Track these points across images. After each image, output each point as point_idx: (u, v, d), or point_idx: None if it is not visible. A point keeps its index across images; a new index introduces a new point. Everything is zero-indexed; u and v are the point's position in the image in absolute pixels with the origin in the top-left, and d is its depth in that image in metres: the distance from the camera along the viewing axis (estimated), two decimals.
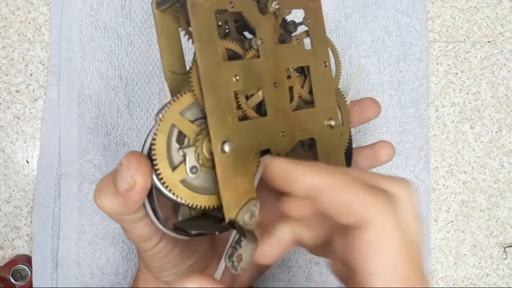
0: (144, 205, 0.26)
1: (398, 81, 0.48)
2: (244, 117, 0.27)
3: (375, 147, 0.36)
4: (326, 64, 0.31)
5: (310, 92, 0.31)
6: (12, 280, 0.41)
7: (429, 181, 0.48)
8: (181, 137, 0.26)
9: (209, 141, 0.25)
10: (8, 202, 0.44)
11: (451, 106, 0.50)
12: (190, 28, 0.26)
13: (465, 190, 0.49)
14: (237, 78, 0.26)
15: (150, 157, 0.25)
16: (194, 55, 0.26)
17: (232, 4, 0.26)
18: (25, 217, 0.44)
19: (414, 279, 0.22)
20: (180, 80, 0.28)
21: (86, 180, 0.42)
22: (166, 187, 0.25)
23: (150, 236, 0.28)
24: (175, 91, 0.28)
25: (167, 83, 0.28)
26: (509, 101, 0.50)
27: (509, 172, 0.50)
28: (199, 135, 0.26)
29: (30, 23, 0.45)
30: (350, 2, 0.48)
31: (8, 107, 0.44)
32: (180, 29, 0.28)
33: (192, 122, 0.26)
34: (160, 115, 0.25)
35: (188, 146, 0.26)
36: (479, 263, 0.49)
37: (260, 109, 0.29)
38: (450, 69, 0.50)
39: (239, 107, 0.27)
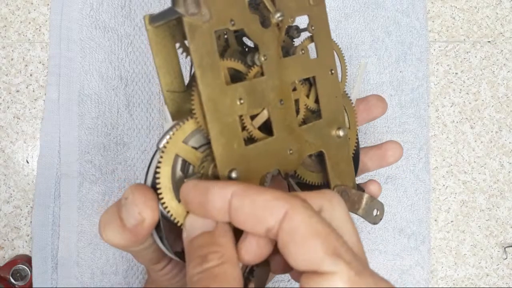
0: (151, 233, 0.26)
1: (398, 81, 0.48)
2: (250, 138, 0.27)
3: (382, 147, 0.35)
4: (333, 71, 0.30)
5: (316, 100, 0.30)
6: (12, 280, 0.41)
7: (429, 181, 0.48)
8: (185, 165, 0.25)
9: (215, 166, 0.25)
10: (8, 202, 0.44)
11: (451, 106, 0.50)
12: (186, 42, 0.25)
13: (465, 190, 0.49)
14: (242, 101, 0.25)
15: (154, 187, 0.24)
16: (194, 79, 0.25)
17: (232, 22, 0.25)
18: (25, 217, 0.44)
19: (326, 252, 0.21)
20: (179, 99, 0.27)
21: (86, 180, 0.42)
22: (174, 219, 0.24)
23: (159, 259, 0.28)
24: (176, 112, 0.27)
25: (167, 106, 0.26)
26: (509, 101, 0.50)
27: (509, 172, 0.50)
28: (204, 162, 0.25)
29: (30, 23, 0.45)
30: (350, 2, 0.48)
31: (8, 107, 0.44)
32: (177, 44, 0.27)
33: (197, 149, 0.25)
34: (161, 145, 0.24)
35: (194, 174, 0.25)
36: (479, 263, 0.49)
37: (265, 126, 0.28)
38: (450, 69, 0.50)
39: (244, 128, 0.26)
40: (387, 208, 0.47)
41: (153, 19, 0.25)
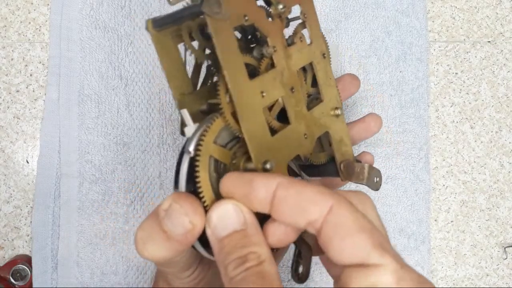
0: None
1: (398, 81, 0.48)
2: (270, 129, 0.27)
3: (365, 120, 0.38)
4: (325, 55, 0.32)
5: (312, 85, 0.32)
6: (12, 280, 0.41)
7: (429, 181, 0.48)
8: (217, 164, 0.25)
9: (246, 161, 0.26)
10: (8, 202, 0.44)
11: (451, 106, 0.50)
12: (193, 43, 0.25)
13: (465, 190, 0.49)
14: (264, 94, 0.26)
15: (191, 191, 0.24)
16: (217, 76, 0.25)
17: (246, 18, 0.26)
18: (25, 217, 0.44)
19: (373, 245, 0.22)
20: (189, 100, 0.27)
21: (86, 180, 0.42)
22: None
23: (190, 265, 0.28)
24: (192, 115, 0.27)
25: (187, 110, 0.26)
26: (509, 101, 0.50)
27: (509, 172, 0.50)
28: (234, 158, 0.26)
29: (30, 23, 0.45)
30: (350, 2, 0.48)
31: (8, 107, 0.44)
32: (180, 45, 0.27)
33: (224, 147, 0.26)
34: (191, 148, 0.24)
35: (225, 172, 0.25)
36: (479, 263, 0.49)
37: (279, 116, 0.29)
38: (450, 69, 0.50)
39: None
40: (387, 208, 0.47)
41: (158, 22, 0.25)
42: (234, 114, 0.25)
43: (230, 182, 0.24)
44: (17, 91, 0.45)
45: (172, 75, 0.27)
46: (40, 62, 0.45)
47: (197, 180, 0.24)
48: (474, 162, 0.50)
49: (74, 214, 0.42)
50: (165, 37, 0.26)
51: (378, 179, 0.34)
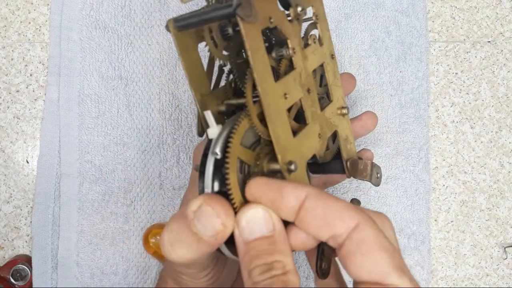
0: None
1: (398, 81, 0.48)
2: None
3: (362, 119, 0.38)
4: (333, 56, 0.32)
5: (320, 85, 0.32)
6: (12, 280, 0.41)
7: (429, 181, 0.48)
8: (241, 165, 0.25)
9: (268, 162, 0.26)
10: (8, 202, 0.44)
11: (451, 106, 0.50)
12: (213, 42, 0.26)
13: (465, 190, 0.49)
14: (287, 96, 0.26)
15: (219, 192, 0.24)
16: (234, 77, 0.25)
17: (271, 20, 0.26)
18: (25, 217, 0.44)
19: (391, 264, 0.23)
20: (207, 101, 0.27)
21: (86, 180, 0.42)
22: None
23: (209, 264, 0.28)
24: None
25: (211, 111, 0.26)
26: (509, 101, 0.50)
27: (509, 172, 0.50)
28: (257, 160, 0.26)
29: (30, 23, 0.45)
30: (350, 2, 0.48)
31: (8, 107, 0.44)
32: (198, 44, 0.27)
33: (249, 148, 0.26)
34: (217, 150, 0.24)
35: (249, 173, 0.26)
36: (479, 263, 0.49)
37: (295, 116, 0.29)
38: (450, 69, 0.50)
39: None
40: (387, 208, 0.47)
41: (181, 23, 0.25)
42: (259, 116, 0.25)
43: (258, 187, 0.24)
44: (17, 91, 0.45)
45: (192, 76, 0.26)
46: (40, 62, 0.45)
47: (227, 182, 0.24)
48: (474, 162, 0.50)
49: (74, 214, 0.42)
50: (184, 38, 0.26)
51: (379, 175, 0.35)
